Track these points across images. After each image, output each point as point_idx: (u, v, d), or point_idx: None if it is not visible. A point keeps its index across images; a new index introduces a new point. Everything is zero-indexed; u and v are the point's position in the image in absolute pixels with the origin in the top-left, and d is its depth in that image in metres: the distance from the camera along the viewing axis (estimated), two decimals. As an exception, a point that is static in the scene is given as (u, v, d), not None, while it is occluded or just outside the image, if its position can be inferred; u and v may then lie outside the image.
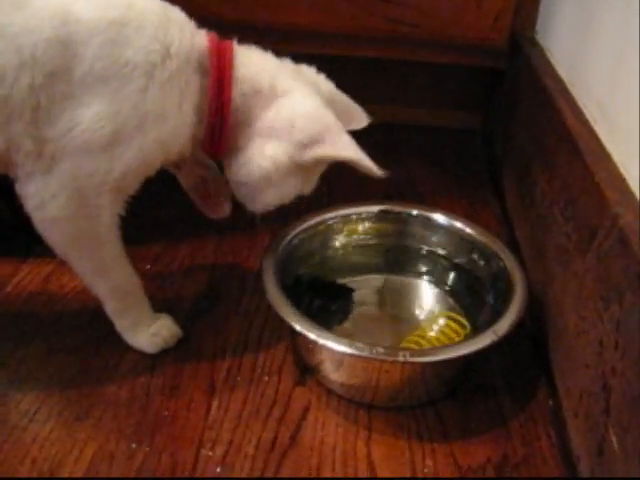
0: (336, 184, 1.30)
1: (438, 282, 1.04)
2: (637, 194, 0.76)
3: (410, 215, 1.05)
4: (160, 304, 0.94)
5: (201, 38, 0.82)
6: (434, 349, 0.88)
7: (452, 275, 1.02)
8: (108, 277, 0.87)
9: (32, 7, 0.72)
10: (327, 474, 0.78)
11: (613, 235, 0.74)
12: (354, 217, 1.05)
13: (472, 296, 0.98)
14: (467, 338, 0.91)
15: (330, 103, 0.86)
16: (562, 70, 1.11)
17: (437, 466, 0.79)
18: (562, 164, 0.95)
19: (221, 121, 0.82)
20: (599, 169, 0.82)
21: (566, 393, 0.83)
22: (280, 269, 0.91)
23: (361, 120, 0.94)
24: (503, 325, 0.82)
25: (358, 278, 1.04)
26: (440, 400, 0.87)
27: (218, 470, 0.77)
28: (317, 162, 0.85)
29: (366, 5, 1.31)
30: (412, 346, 0.91)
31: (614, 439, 0.68)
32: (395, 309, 1.01)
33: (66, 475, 0.76)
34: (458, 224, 1.02)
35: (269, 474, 0.77)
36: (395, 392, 0.85)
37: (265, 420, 0.83)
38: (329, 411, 0.85)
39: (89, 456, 0.78)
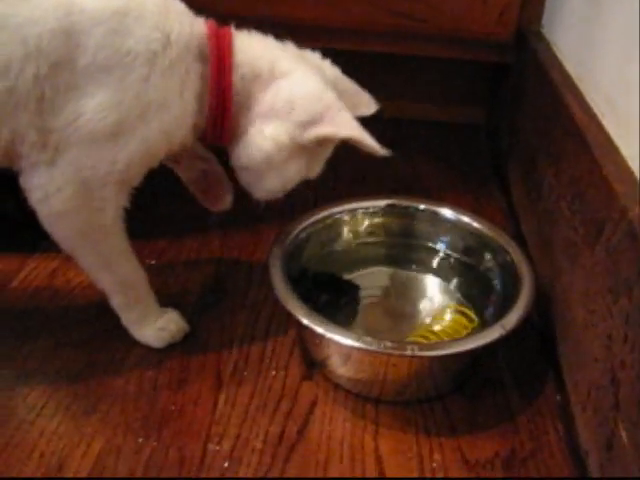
0: (342, 179, 1.30)
1: (445, 276, 1.03)
2: (646, 187, 0.76)
3: (417, 209, 1.04)
4: (166, 299, 0.94)
5: (200, 25, 0.82)
6: (442, 343, 0.88)
7: (459, 269, 1.02)
8: (114, 271, 0.86)
9: None
10: (335, 468, 0.77)
11: (622, 228, 0.74)
12: (361, 211, 1.04)
13: (479, 290, 0.98)
14: (475, 332, 0.90)
15: (335, 88, 0.85)
16: (569, 64, 1.11)
17: (445, 460, 0.79)
18: (569, 158, 0.94)
19: (223, 107, 0.82)
20: (607, 162, 0.82)
21: (574, 387, 0.83)
22: (287, 263, 0.91)
23: (369, 106, 0.92)
24: (511, 319, 0.82)
25: (365, 272, 1.04)
26: (448, 394, 0.86)
27: (226, 465, 0.77)
28: (319, 143, 0.84)
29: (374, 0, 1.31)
30: (420, 340, 0.91)
31: (624, 434, 0.67)
32: (402, 303, 1.01)
33: (74, 469, 0.76)
34: (465, 218, 1.01)
35: (277, 468, 0.77)
36: (402, 386, 0.84)
37: (272, 414, 0.83)
38: (336, 405, 0.85)
39: (96, 450, 0.78)
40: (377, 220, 1.05)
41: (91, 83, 0.74)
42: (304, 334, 0.90)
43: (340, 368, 0.85)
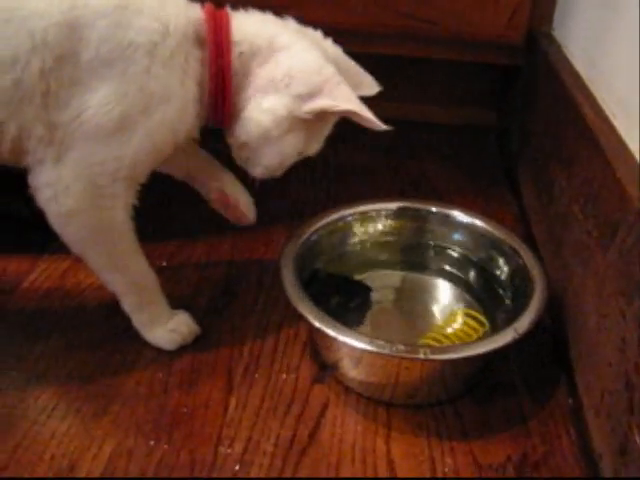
0: (352, 180, 1.31)
1: (456, 279, 1.03)
2: (660, 190, 0.75)
3: (429, 212, 1.04)
4: (177, 301, 0.94)
5: (196, 11, 0.82)
6: (455, 346, 0.87)
7: (471, 272, 1.02)
8: (124, 272, 0.86)
9: None
10: (346, 472, 0.77)
11: (635, 231, 0.73)
12: (373, 214, 1.04)
13: (490, 293, 0.98)
14: (486, 336, 0.90)
15: (336, 66, 0.84)
16: (580, 66, 1.10)
17: (457, 464, 0.78)
18: (581, 160, 0.94)
19: (222, 87, 0.82)
20: (620, 164, 0.82)
21: (586, 391, 0.82)
22: (298, 265, 0.91)
23: (371, 87, 0.92)
24: (524, 322, 0.82)
25: (376, 274, 1.03)
26: (459, 398, 0.86)
27: (237, 468, 0.77)
28: (318, 116, 0.84)
29: (383, 1, 1.30)
30: (431, 343, 0.90)
31: (638, 439, 0.67)
32: (413, 306, 1.00)
33: (85, 471, 0.75)
34: (477, 221, 1.01)
35: (288, 472, 0.77)
36: (414, 390, 0.84)
37: (283, 418, 0.83)
38: (348, 409, 0.85)
39: (107, 453, 0.78)
40: (389, 222, 1.05)
41: (94, 78, 0.75)
42: (315, 337, 0.90)
43: (351, 371, 0.85)
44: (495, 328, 0.91)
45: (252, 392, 0.86)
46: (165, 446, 0.79)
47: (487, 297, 0.98)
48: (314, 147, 0.90)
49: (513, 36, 1.32)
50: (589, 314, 0.83)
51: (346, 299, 0.98)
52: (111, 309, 0.91)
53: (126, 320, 0.90)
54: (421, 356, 0.78)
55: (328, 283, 0.99)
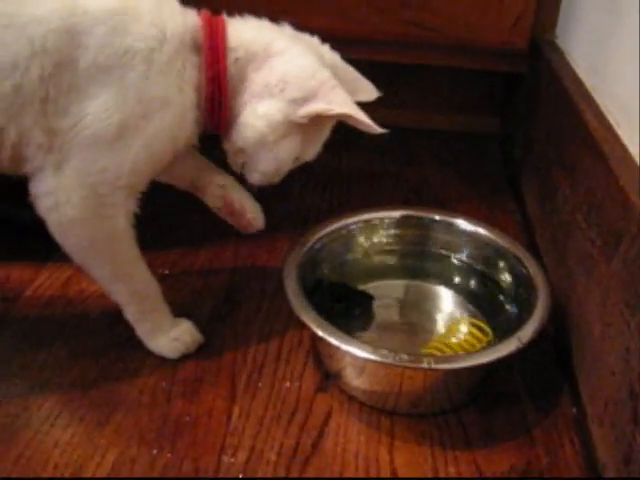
0: (354, 187, 1.31)
1: (460, 288, 1.03)
2: (664, 199, 0.75)
3: (433, 220, 1.04)
4: (180, 309, 0.94)
5: (192, 17, 0.82)
6: (459, 356, 0.87)
7: (474, 281, 1.02)
8: (126, 281, 0.87)
9: None
10: (350, 481, 0.77)
11: (639, 242, 0.73)
12: (376, 222, 1.04)
13: (494, 302, 0.98)
14: (490, 345, 0.90)
15: (333, 71, 0.85)
16: (583, 73, 1.10)
17: (460, 474, 0.78)
18: (585, 168, 0.94)
19: (219, 93, 0.82)
20: (623, 173, 0.82)
21: (590, 401, 0.82)
22: (301, 274, 0.91)
23: (370, 93, 0.92)
24: (527, 332, 0.82)
25: (379, 283, 1.03)
26: (463, 407, 0.86)
27: (240, 477, 0.77)
28: (314, 121, 0.83)
29: (385, 9, 1.30)
30: (434, 352, 0.90)
31: (642, 448, 0.67)
32: (416, 315, 1.00)
33: (88, 480, 0.76)
34: (480, 230, 1.01)
35: (292, 481, 0.77)
36: (417, 399, 0.84)
37: (287, 426, 0.83)
38: (351, 418, 0.84)
39: (110, 462, 0.77)
40: (392, 231, 1.05)
41: (93, 84, 0.75)
42: (319, 345, 0.90)
43: (355, 380, 0.85)
44: (498, 337, 0.90)
45: (255, 401, 0.86)
46: (168, 455, 0.78)
47: (491, 306, 0.98)
48: (311, 152, 0.89)
49: (516, 43, 1.32)
50: (593, 323, 0.83)
51: (349, 308, 0.98)
52: (114, 317, 0.91)
53: (129, 328, 0.90)
54: (425, 366, 0.78)
55: (331, 292, 0.99)
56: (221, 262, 1.11)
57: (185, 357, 0.91)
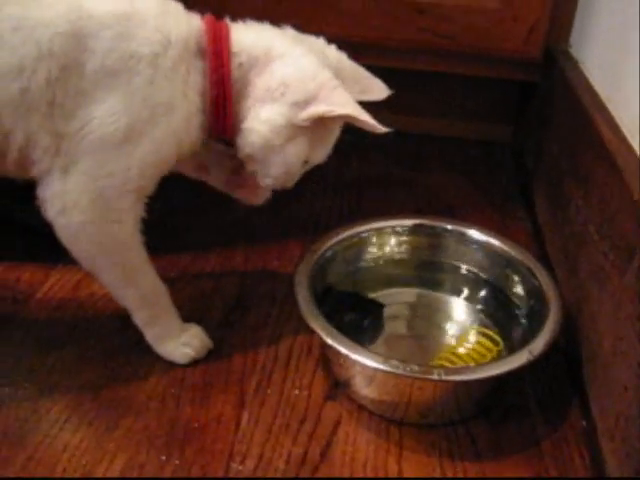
0: (366, 194, 1.30)
1: (471, 298, 1.02)
2: (679, 214, 0.75)
3: (445, 230, 1.04)
4: (189, 314, 0.94)
5: (197, 22, 0.83)
6: (469, 368, 0.87)
7: (485, 291, 1.01)
8: (135, 285, 0.86)
9: (47, 0, 0.74)
10: (358, 491, 0.77)
11: (654, 255, 0.73)
12: (388, 230, 1.04)
13: (505, 313, 0.97)
14: (501, 356, 0.89)
15: (339, 72, 0.84)
16: (597, 83, 1.10)
17: (469, 485, 0.78)
18: (598, 180, 0.93)
19: (223, 98, 0.82)
20: (637, 186, 0.81)
21: (601, 415, 0.82)
22: (312, 281, 0.90)
23: (381, 91, 0.91)
24: (538, 344, 0.81)
25: (390, 292, 1.03)
26: (472, 419, 0.85)
27: (248, 484, 0.77)
28: (317, 123, 0.83)
29: (400, 16, 1.30)
30: (444, 363, 0.90)
31: (654, 465, 0.66)
32: (427, 324, 1.00)
33: (96, 486, 0.76)
34: (492, 240, 1.01)
35: (299, 490, 0.76)
36: (427, 409, 0.84)
37: (295, 434, 0.82)
38: (360, 427, 0.84)
39: (119, 467, 0.77)
40: (404, 239, 1.04)
41: (99, 88, 0.75)
42: (328, 354, 0.90)
43: (364, 389, 0.85)
44: (509, 348, 0.90)
45: (264, 408, 0.86)
46: (177, 461, 0.78)
47: (501, 316, 0.97)
48: (320, 155, 0.89)
49: (531, 52, 1.32)
50: (604, 336, 0.83)
51: (359, 316, 0.98)
52: (124, 321, 0.91)
53: (139, 332, 0.90)
54: (435, 377, 0.78)
55: (342, 300, 0.99)
56: (231, 266, 1.11)
57: (194, 363, 0.91)
